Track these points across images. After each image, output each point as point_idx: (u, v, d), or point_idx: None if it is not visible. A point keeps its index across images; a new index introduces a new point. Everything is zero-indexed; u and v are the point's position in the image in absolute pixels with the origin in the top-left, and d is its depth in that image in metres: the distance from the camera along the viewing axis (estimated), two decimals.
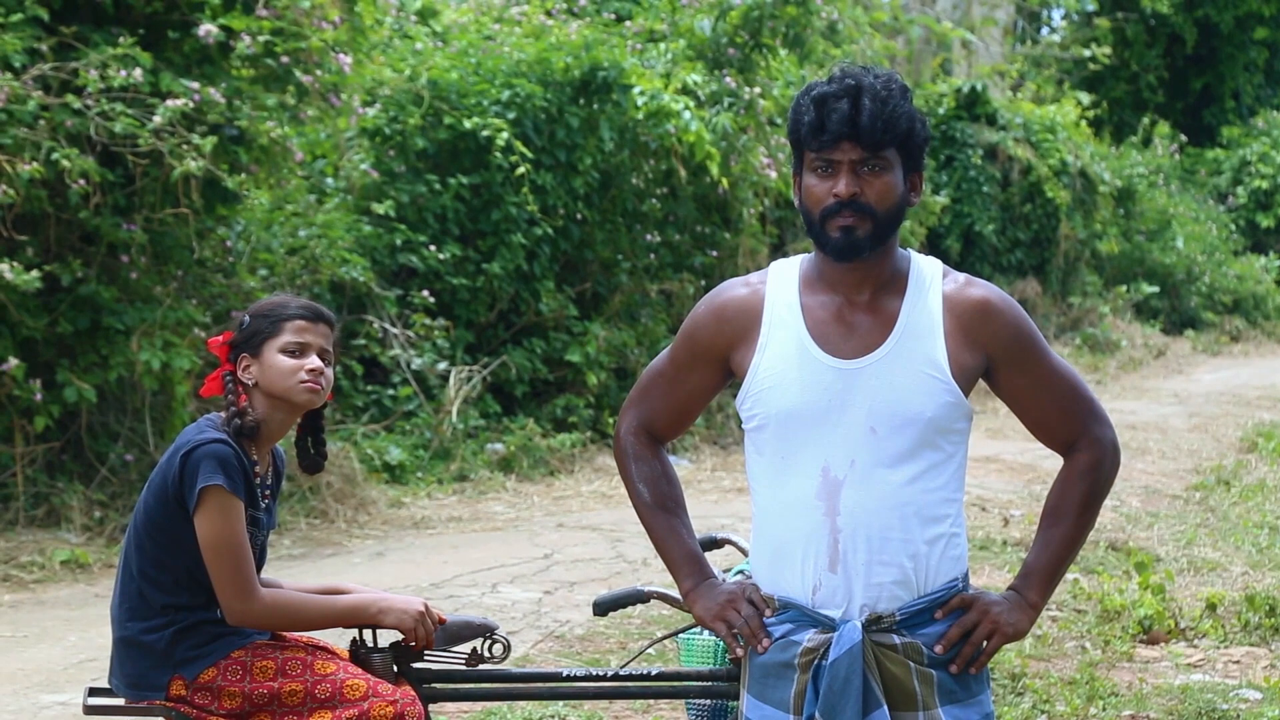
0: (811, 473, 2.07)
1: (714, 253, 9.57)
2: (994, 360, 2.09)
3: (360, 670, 2.45)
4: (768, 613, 2.09)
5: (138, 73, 5.87)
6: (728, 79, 9.43)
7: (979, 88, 14.17)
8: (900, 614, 2.05)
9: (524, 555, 6.05)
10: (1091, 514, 2.15)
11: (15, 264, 5.65)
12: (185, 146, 5.91)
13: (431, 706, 2.50)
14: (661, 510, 2.20)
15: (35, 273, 5.68)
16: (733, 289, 2.17)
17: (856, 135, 2.01)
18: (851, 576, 2.05)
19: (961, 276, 2.13)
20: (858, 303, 2.10)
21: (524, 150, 8.23)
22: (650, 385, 2.24)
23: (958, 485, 2.12)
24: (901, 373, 2.06)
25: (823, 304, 2.11)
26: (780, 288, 2.14)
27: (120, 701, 2.45)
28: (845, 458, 2.06)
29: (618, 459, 2.28)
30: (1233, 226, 17.80)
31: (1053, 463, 2.25)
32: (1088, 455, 2.13)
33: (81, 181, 5.79)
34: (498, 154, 8.23)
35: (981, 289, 2.11)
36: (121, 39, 5.98)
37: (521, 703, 3.91)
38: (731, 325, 2.14)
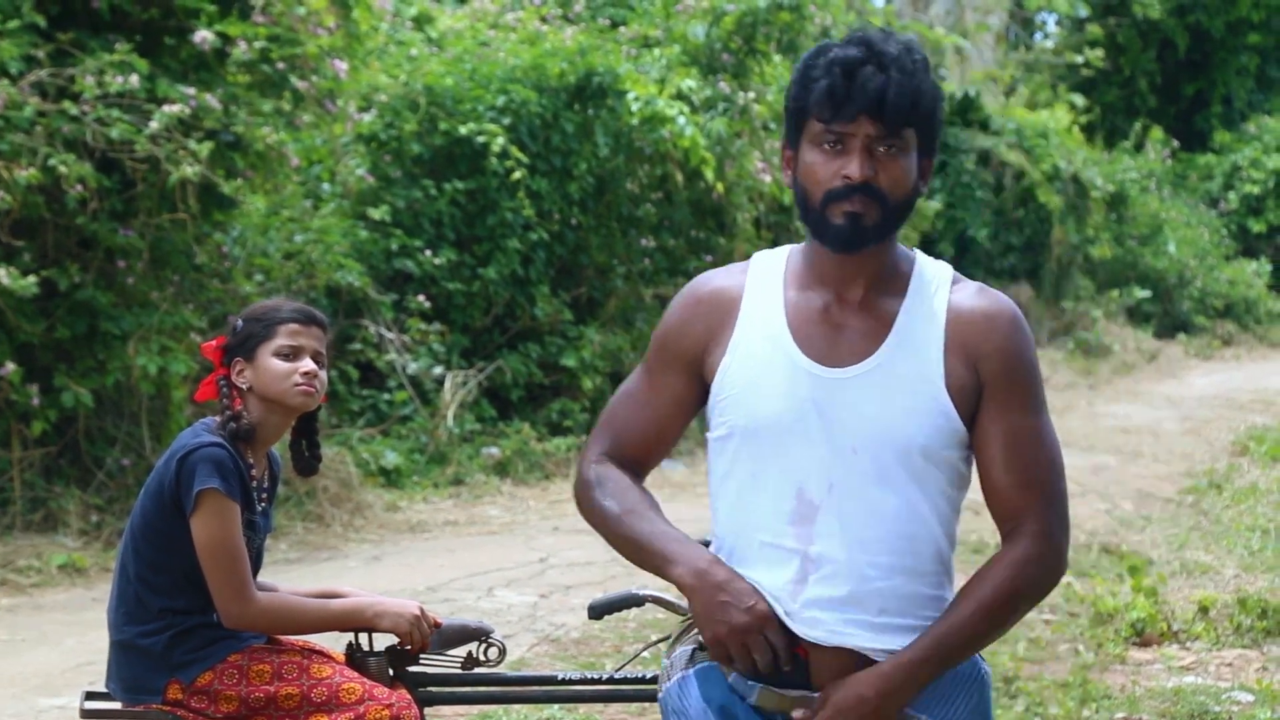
0: (784, 494, 1.78)
1: (709, 257, 9.59)
2: (983, 383, 1.78)
3: (356, 674, 2.46)
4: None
5: (134, 79, 5.88)
6: (722, 84, 9.46)
7: (972, 93, 14.21)
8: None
9: (519, 559, 6.06)
10: (1003, 616, 1.77)
11: (12, 269, 5.66)
12: (182, 152, 5.93)
13: (427, 710, 2.51)
14: (633, 512, 1.85)
15: (32, 278, 5.70)
16: (708, 280, 1.89)
17: (880, 109, 1.72)
18: (816, 620, 1.77)
19: (974, 285, 1.83)
20: (849, 301, 1.81)
21: (519, 156, 8.25)
22: (617, 407, 1.92)
23: (946, 533, 1.79)
24: (892, 388, 1.76)
25: (809, 301, 1.82)
26: (762, 280, 1.85)
27: (117, 705, 2.45)
28: (823, 479, 1.77)
29: (577, 498, 1.90)
30: (1224, 231, 17.85)
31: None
32: (1027, 546, 1.77)
33: (79, 187, 5.81)
34: (493, 159, 8.26)
35: (991, 299, 1.81)
36: (118, 45, 6.00)
37: (517, 706, 3.92)
38: (704, 320, 1.84)
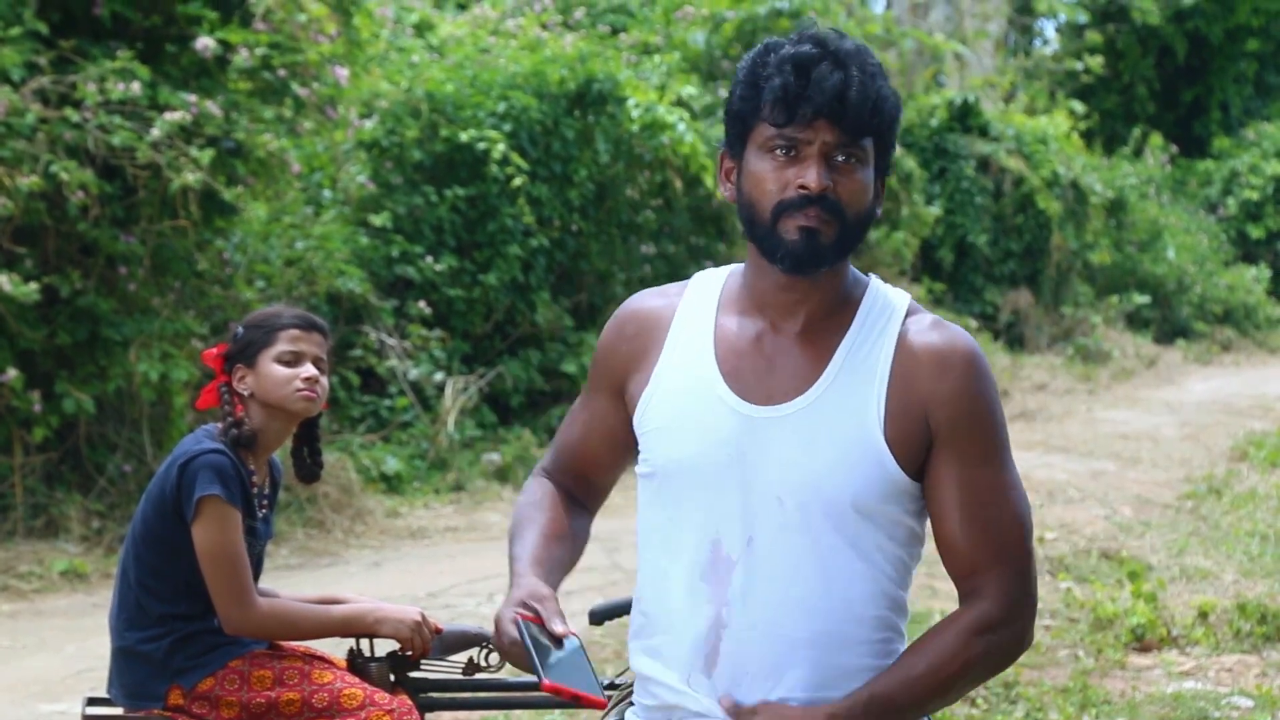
0: (699, 545, 1.58)
1: (709, 264, 9.59)
2: (933, 431, 1.56)
3: (357, 679, 2.47)
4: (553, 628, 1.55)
5: (136, 86, 5.90)
6: (722, 91, 9.49)
7: (971, 100, 14.23)
8: None
9: None
10: (954, 679, 1.55)
11: (14, 276, 5.68)
12: (183, 159, 5.95)
13: (428, 715, 2.52)
14: (515, 530, 1.68)
15: (34, 284, 5.71)
16: (642, 299, 1.70)
17: (841, 114, 1.52)
18: (731, 687, 1.56)
19: (930, 317, 1.61)
20: (785, 331, 1.60)
21: (520, 162, 8.27)
22: (563, 426, 1.77)
23: (888, 596, 1.58)
24: (821, 433, 1.55)
25: (742, 328, 1.61)
26: (696, 302, 1.65)
27: (118, 711, 2.47)
28: (741, 532, 1.56)
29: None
30: (1223, 237, 17.87)
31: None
32: (987, 609, 1.56)
33: (80, 194, 5.82)
34: (494, 166, 8.28)
35: (946, 336, 1.58)
36: (120, 53, 6.02)
37: (517, 711, 3.93)
38: (629, 344, 1.66)
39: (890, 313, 1.61)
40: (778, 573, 1.56)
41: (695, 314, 1.65)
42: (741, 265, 1.67)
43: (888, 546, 1.58)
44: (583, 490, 1.76)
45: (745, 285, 1.64)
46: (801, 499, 1.56)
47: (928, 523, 1.62)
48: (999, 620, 1.57)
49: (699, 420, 1.59)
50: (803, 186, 1.54)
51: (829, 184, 1.54)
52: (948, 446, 1.56)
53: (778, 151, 1.56)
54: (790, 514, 1.56)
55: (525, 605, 1.55)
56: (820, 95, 1.53)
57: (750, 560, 1.57)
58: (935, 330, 1.60)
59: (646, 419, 1.63)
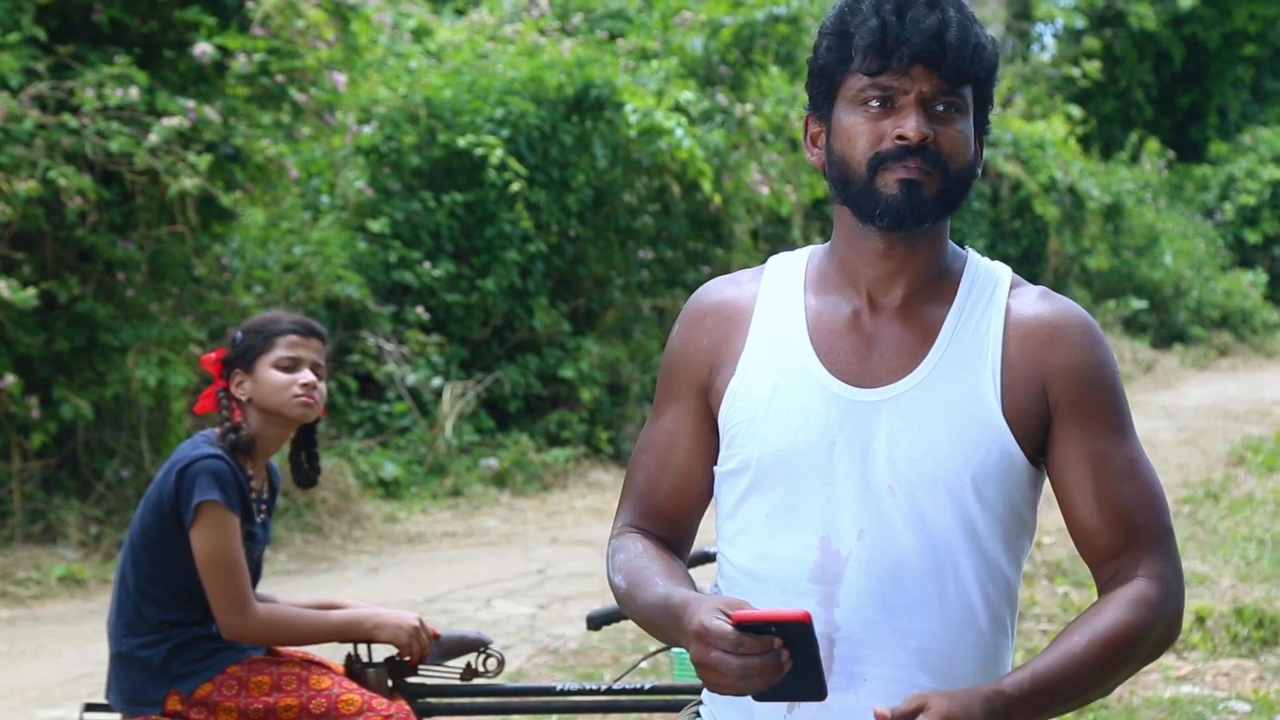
0: (805, 543, 1.46)
1: (707, 269, 9.62)
2: (1053, 406, 1.46)
3: (355, 685, 2.48)
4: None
5: (134, 92, 5.91)
6: (720, 96, 9.50)
7: None
8: None
9: (518, 570, 6.07)
10: (1124, 656, 1.42)
11: (12, 282, 5.68)
12: (181, 165, 5.95)
13: None
14: (639, 583, 1.50)
15: (32, 290, 5.71)
16: (713, 290, 1.57)
17: (940, 57, 1.41)
18: (848, 696, 1.43)
19: (1037, 289, 1.51)
20: (885, 307, 1.49)
21: (518, 168, 8.28)
22: (634, 469, 1.58)
23: (1003, 593, 1.47)
24: (937, 412, 1.44)
25: (836, 308, 1.50)
26: (778, 286, 1.53)
27: (117, 717, 2.47)
28: (853, 526, 1.44)
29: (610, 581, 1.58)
30: (1220, 242, 17.90)
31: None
32: (1143, 586, 1.44)
33: (78, 200, 5.83)
34: (492, 171, 8.29)
35: (1058, 306, 1.49)
36: (118, 58, 6.03)
37: (515, 717, 3.93)
38: (709, 336, 1.53)
39: (995, 283, 1.50)
40: (893, 569, 1.44)
41: (780, 296, 1.52)
42: (822, 246, 1.56)
43: (1005, 537, 1.47)
44: (678, 528, 1.57)
45: (835, 261, 1.52)
46: (916, 487, 1.44)
47: (1037, 511, 1.53)
48: (1156, 598, 1.44)
49: (796, 407, 1.47)
50: (901, 137, 1.42)
51: (929, 133, 1.42)
52: (1070, 420, 1.46)
53: (872, 103, 1.44)
54: (902, 504, 1.44)
55: (724, 611, 1.35)
56: (917, 37, 1.41)
57: (863, 556, 1.44)
58: (1045, 301, 1.49)
59: (734, 411, 1.49)
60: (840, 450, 1.45)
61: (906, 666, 1.44)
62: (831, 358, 1.48)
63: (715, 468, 1.54)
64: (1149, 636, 1.44)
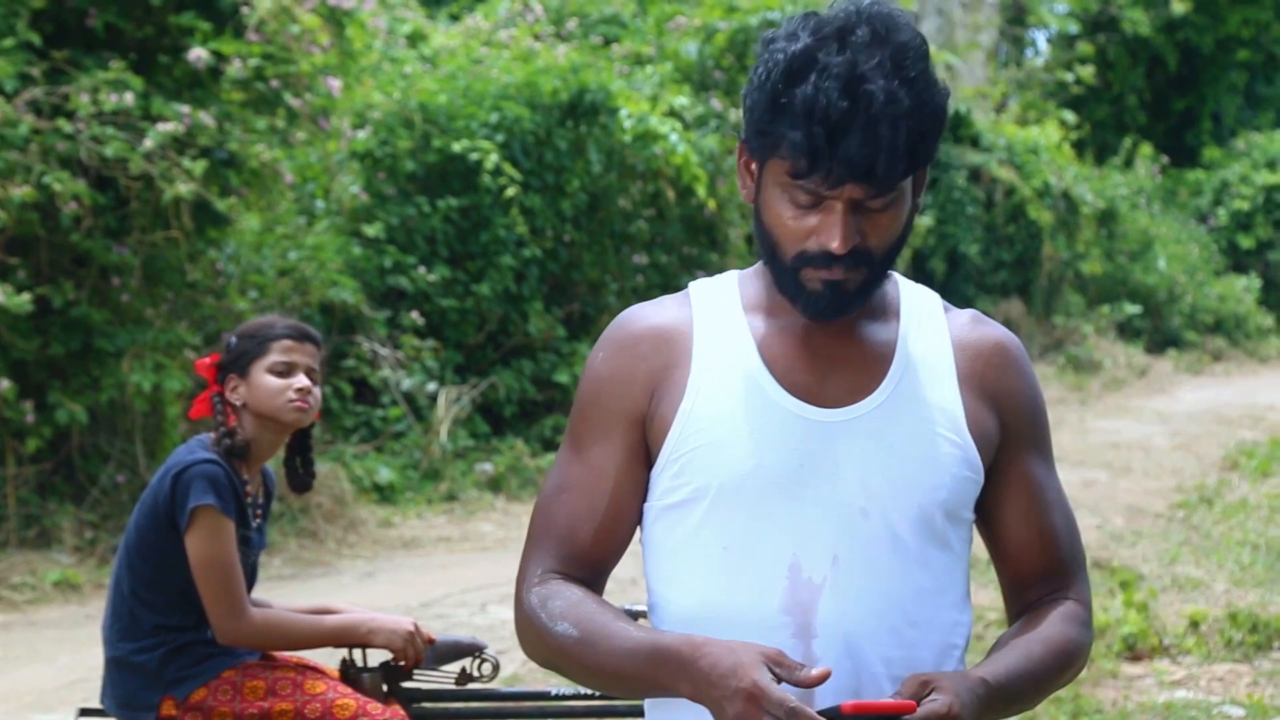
0: (772, 574, 1.38)
1: (701, 274, 9.64)
2: (1003, 429, 1.47)
3: (350, 690, 2.48)
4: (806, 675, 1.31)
5: (129, 97, 5.91)
6: (714, 101, 9.52)
7: (963, 110, 14.29)
8: None
9: (513, 575, 6.01)
10: (1065, 665, 1.44)
11: (7, 286, 5.68)
12: (176, 170, 5.96)
13: None
14: (598, 628, 1.38)
15: (27, 295, 5.71)
16: (641, 315, 1.47)
17: (871, 177, 1.34)
18: None
19: (968, 312, 1.51)
20: (833, 327, 1.44)
21: (512, 173, 8.29)
22: (551, 509, 1.46)
23: (965, 612, 1.45)
24: (907, 431, 1.41)
25: (783, 328, 1.44)
26: (714, 308, 1.46)
27: None
28: (825, 551, 1.39)
29: (521, 637, 1.46)
30: (1214, 247, 17.94)
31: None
32: (1081, 610, 1.47)
33: (73, 205, 5.83)
34: (486, 176, 8.29)
35: (996, 329, 1.49)
36: (113, 63, 6.03)
37: None
38: (648, 361, 1.43)
39: (930, 306, 1.48)
40: (868, 594, 1.39)
41: (719, 319, 1.44)
42: (750, 270, 1.49)
43: (964, 554, 1.46)
44: (598, 574, 1.46)
45: (770, 284, 1.45)
46: (889, 509, 1.39)
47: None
48: (1088, 621, 1.48)
49: (758, 431, 1.39)
50: (826, 249, 1.36)
51: (858, 239, 1.37)
52: (1014, 445, 1.46)
53: (799, 197, 1.36)
54: (877, 528, 1.39)
55: (775, 664, 1.29)
56: (846, 168, 1.33)
57: (840, 582, 1.38)
58: (985, 325, 1.49)
59: (687, 438, 1.40)
60: (807, 473, 1.39)
61: (888, 695, 1.39)
62: (788, 379, 1.42)
63: (649, 503, 1.44)
64: (1086, 654, 1.48)
